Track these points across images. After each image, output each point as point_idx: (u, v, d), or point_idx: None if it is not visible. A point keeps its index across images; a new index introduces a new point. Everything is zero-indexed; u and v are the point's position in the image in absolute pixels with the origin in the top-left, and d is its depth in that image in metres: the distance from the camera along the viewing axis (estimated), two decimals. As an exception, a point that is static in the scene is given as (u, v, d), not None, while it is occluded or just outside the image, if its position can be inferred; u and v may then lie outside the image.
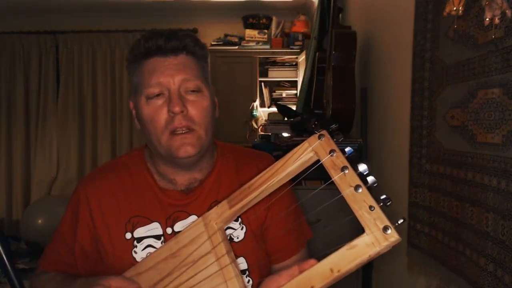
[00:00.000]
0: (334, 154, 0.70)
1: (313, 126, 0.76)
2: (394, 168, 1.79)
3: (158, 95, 0.90)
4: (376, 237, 0.62)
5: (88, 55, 4.57)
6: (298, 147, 0.75)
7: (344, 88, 2.06)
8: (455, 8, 1.15)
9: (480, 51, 1.06)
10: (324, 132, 0.74)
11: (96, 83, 4.57)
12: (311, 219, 1.69)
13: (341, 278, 0.65)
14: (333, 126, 0.74)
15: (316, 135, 0.74)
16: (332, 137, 0.73)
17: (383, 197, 0.64)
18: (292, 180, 0.80)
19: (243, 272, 0.95)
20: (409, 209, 1.50)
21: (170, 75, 0.90)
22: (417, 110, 1.45)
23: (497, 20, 0.97)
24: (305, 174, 0.78)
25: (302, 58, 4.11)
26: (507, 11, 0.92)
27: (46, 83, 4.58)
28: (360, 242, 0.63)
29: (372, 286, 2.08)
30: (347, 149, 0.71)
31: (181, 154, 0.90)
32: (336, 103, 2.05)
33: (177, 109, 0.88)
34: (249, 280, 0.96)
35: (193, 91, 0.91)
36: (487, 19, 0.98)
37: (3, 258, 0.68)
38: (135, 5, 4.28)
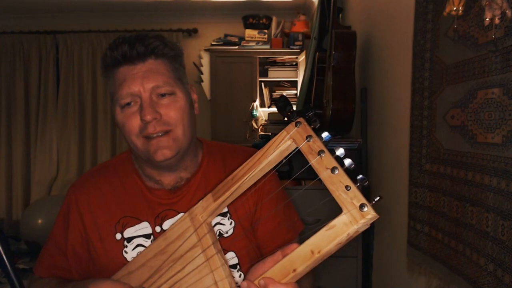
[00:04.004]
0: (311, 140, 0.71)
1: (288, 113, 0.77)
2: (394, 168, 1.79)
3: (130, 103, 0.90)
4: (353, 215, 0.63)
5: (88, 55, 4.57)
6: (277, 136, 0.77)
7: (344, 88, 2.06)
8: (455, 8, 1.15)
9: (480, 51, 1.06)
10: (300, 119, 0.75)
11: (96, 83, 4.57)
12: (310, 219, 1.69)
13: (323, 259, 0.66)
14: (309, 113, 0.75)
15: (293, 123, 0.75)
16: (310, 124, 0.74)
17: (359, 177, 0.65)
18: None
19: (234, 266, 0.96)
20: (409, 209, 1.50)
21: (139, 83, 0.89)
22: (417, 110, 1.45)
23: (497, 20, 0.96)
24: (283, 161, 0.78)
25: (302, 58, 4.11)
26: (507, 11, 0.92)
27: (46, 83, 4.59)
28: (338, 221, 0.64)
29: (372, 286, 2.08)
30: (323, 135, 0.72)
31: (158, 157, 0.90)
32: (336, 103, 2.05)
33: (148, 117, 0.88)
34: (240, 275, 0.96)
35: (164, 94, 0.91)
36: (487, 19, 0.98)
37: (3, 258, 0.68)
38: (135, 5, 4.28)
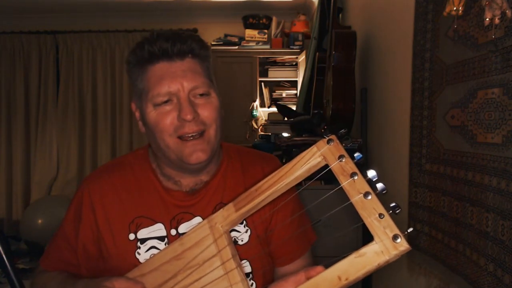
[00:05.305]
0: (343, 160, 0.69)
1: (322, 130, 0.75)
2: (394, 168, 1.79)
3: (166, 101, 0.88)
4: (385, 245, 0.61)
5: (88, 55, 4.57)
6: (306, 151, 0.74)
7: (344, 88, 2.06)
8: (455, 8, 1.15)
9: (480, 51, 1.06)
10: (333, 136, 0.72)
11: (96, 83, 4.57)
12: (311, 220, 1.69)
13: (348, 286, 0.64)
14: (342, 131, 0.73)
15: (325, 140, 0.73)
16: (341, 142, 0.72)
17: (392, 204, 0.63)
18: (297, 184, 0.80)
19: (247, 275, 0.94)
20: (409, 209, 1.50)
21: (179, 82, 0.87)
22: (417, 110, 1.45)
23: (497, 20, 0.96)
24: (312, 180, 0.77)
25: (302, 58, 4.11)
26: (507, 11, 0.92)
27: (46, 83, 4.59)
28: (369, 250, 0.62)
29: (372, 286, 2.08)
30: (356, 155, 0.70)
31: (193, 160, 0.89)
32: (336, 103, 2.05)
33: (189, 117, 0.86)
34: (252, 284, 0.95)
35: (202, 94, 0.90)
36: (487, 19, 0.98)
37: (3, 258, 0.68)
38: (135, 5, 4.28)
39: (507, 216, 0.94)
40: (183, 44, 0.89)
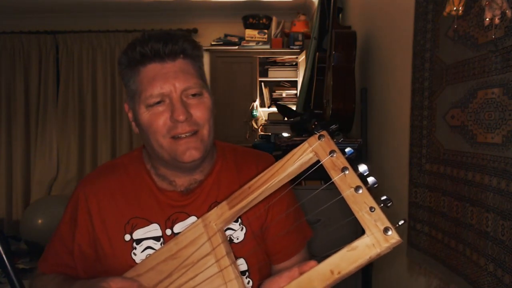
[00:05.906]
0: (334, 155, 0.70)
1: (313, 126, 0.76)
2: (394, 168, 1.79)
3: (158, 102, 0.89)
4: (376, 238, 0.61)
5: (88, 55, 4.57)
6: (298, 147, 0.75)
7: (344, 88, 2.06)
8: (455, 8, 1.15)
9: (480, 51, 1.06)
10: (324, 132, 0.73)
11: (96, 83, 4.57)
12: (310, 219, 1.69)
13: (341, 280, 0.65)
14: (333, 126, 0.73)
15: (316, 136, 0.73)
16: (332, 137, 0.72)
17: (383, 198, 0.64)
18: (293, 181, 0.80)
19: (243, 273, 0.94)
20: (409, 209, 1.50)
21: (171, 83, 0.88)
22: (417, 110, 1.45)
23: (497, 20, 0.96)
24: (305, 175, 0.77)
25: (302, 58, 4.11)
26: (507, 11, 0.92)
27: (46, 83, 4.59)
28: (361, 243, 0.62)
29: (372, 286, 2.08)
30: (347, 150, 0.70)
31: (186, 158, 0.89)
32: (336, 103, 2.05)
33: (182, 117, 0.86)
34: (249, 281, 0.95)
35: (194, 95, 0.90)
36: (487, 19, 0.98)
37: (3, 258, 0.68)
38: (135, 5, 4.28)
39: (507, 216, 0.94)
40: (174, 44, 0.89)
